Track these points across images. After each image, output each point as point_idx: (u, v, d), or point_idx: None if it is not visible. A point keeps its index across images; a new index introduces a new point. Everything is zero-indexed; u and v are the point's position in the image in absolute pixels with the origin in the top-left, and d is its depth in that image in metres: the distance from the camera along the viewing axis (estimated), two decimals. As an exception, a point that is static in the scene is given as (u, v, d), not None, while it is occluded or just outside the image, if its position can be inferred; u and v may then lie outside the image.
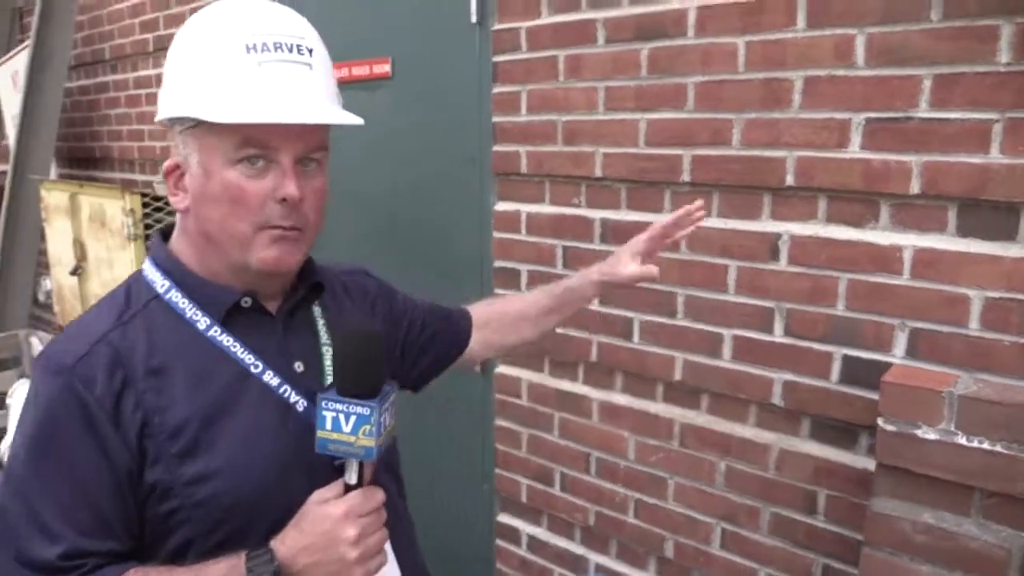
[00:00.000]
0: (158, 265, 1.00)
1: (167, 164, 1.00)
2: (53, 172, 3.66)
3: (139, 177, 3.32)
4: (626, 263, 1.28)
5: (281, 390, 0.99)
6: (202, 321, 0.97)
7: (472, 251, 2.01)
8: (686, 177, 1.59)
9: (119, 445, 0.90)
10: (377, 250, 2.30)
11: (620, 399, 1.80)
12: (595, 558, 1.92)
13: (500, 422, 2.04)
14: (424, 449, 2.29)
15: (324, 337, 1.08)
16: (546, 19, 1.77)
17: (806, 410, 1.52)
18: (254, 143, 0.93)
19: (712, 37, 1.51)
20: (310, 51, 0.97)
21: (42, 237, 3.36)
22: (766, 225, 1.51)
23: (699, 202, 1.24)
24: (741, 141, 1.50)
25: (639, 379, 1.76)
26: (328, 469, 0.96)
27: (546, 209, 1.84)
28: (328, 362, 1.04)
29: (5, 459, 0.97)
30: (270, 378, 0.98)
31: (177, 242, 1.02)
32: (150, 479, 0.92)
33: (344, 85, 2.23)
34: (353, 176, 2.30)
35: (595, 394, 1.83)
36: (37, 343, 3.27)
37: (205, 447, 0.93)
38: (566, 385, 1.88)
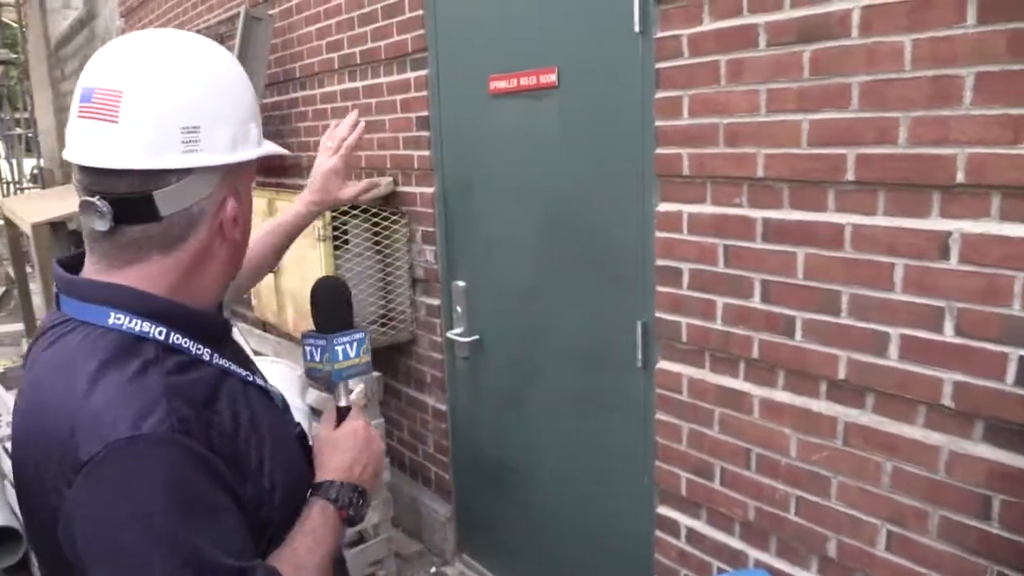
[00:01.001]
0: (137, 313, 0.95)
1: (230, 210, 1.02)
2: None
3: (324, 183, 3.62)
4: (340, 186, 1.62)
5: (267, 387, 1.11)
6: (205, 352, 0.99)
7: (634, 251, 2.09)
8: (850, 176, 1.59)
9: (228, 472, 0.93)
10: (542, 250, 2.42)
11: (781, 396, 1.82)
12: (754, 554, 1.95)
13: (661, 416, 2.10)
14: (585, 442, 2.39)
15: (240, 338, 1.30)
16: (707, 26, 1.82)
17: (979, 412, 1.48)
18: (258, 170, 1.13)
19: (877, 36, 1.51)
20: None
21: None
22: (935, 223, 1.49)
23: (354, 113, 1.71)
24: (908, 139, 1.49)
25: (801, 377, 1.77)
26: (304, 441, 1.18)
27: (707, 209, 1.89)
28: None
29: (123, 549, 0.86)
30: (258, 380, 1.09)
31: (146, 284, 0.98)
32: (246, 496, 0.96)
33: (513, 95, 2.37)
34: (520, 180, 2.44)
35: (756, 391, 1.86)
36: (236, 332, 3.65)
37: (263, 453, 1.00)
38: (726, 381, 1.92)
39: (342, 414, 1.22)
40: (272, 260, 1.60)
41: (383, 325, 3.04)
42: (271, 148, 1.09)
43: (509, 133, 2.46)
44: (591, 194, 2.22)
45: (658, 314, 2.05)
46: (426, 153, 2.84)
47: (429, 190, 2.86)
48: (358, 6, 3.07)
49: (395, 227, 3.01)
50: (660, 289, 2.03)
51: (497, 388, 2.73)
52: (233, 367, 1.03)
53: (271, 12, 3.77)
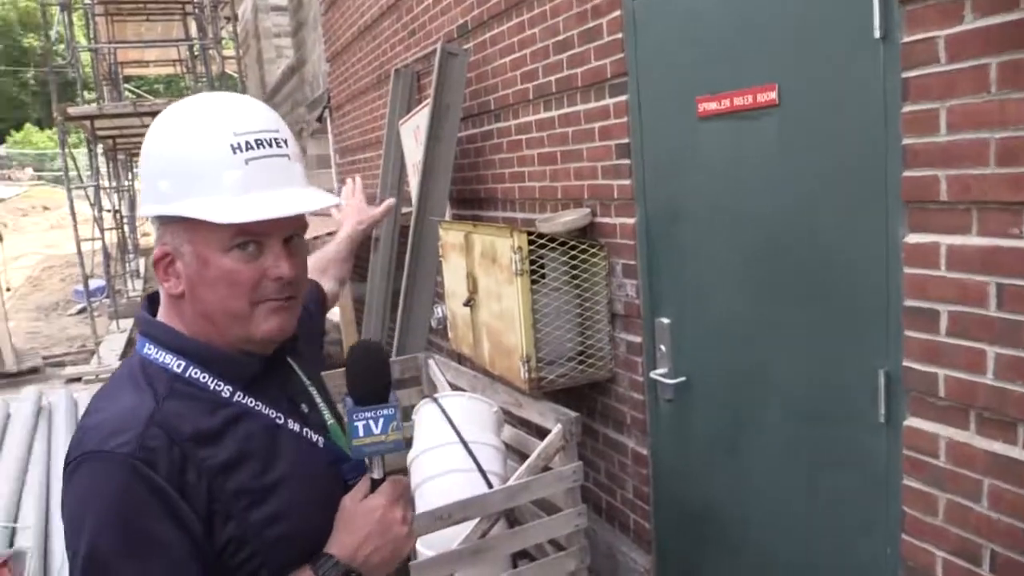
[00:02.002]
0: (163, 346, 1.07)
1: (156, 253, 1.08)
2: (448, 213, 4.10)
3: (520, 215, 3.57)
4: (365, 208, 1.82)
5: (304, 433, 1.12)
6: (225, 390, 1.07)
7: (875, 288, 1.82)
8: None
9: (191, 515, 0.98)
10: (758, 285, 2.19)
11: (1077, 469, 1.48)
12: (1038, 656, 1.60)
13: (909, 482, 1.80)
14: (809, 502, 2.12)
15: (303, 378, 1.21)
16: (970, 24, 1.54)
17: None
18: (247, 232, 1.03)
19: None
20: (285, 142, 1.07)
21: (438, 271, 3.77)
22: None
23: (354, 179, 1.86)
24: None
25: (1106, 447, 1.43)
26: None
27: (973, 241, 1.59)
28: (319, 399, 1.20)
29: (76, 553, 0.96)
30: (293, 425, 1.11)
31: (177, 323, 1.09)
32: (224, 537, 1.00)
33: (724, 116, 2.17)
34: (733, 208, 2.22)
35: (1040, 460, 1.53)
36: (433, 365, 3.66)
37: (267, 496, 1.04)
38: (1001, 448, 1.60)
39: (375, 486, 1.11)
40: (344, 266, 1.75)
41: (581, 362, 2.91)
42: (157, 210, 1.05)
43: (720, 158, 2.26)
44: (818, 224, 1.97)
45: (906, 363, 1.76)
46: (627, 182, 2.69)
47: (630, 221, 2.70)
48: (553, 34, 3.00)
49: (593, 260, 2.88)
50: (909, 334, 1.74)
51: (706, 435, 2.50)
52: (262, 408, 1.08)
53: (466, 47, 3.80)
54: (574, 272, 2.90)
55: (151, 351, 1.08)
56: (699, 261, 2.42)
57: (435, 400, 2.89)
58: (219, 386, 1.07)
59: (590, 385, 3.03)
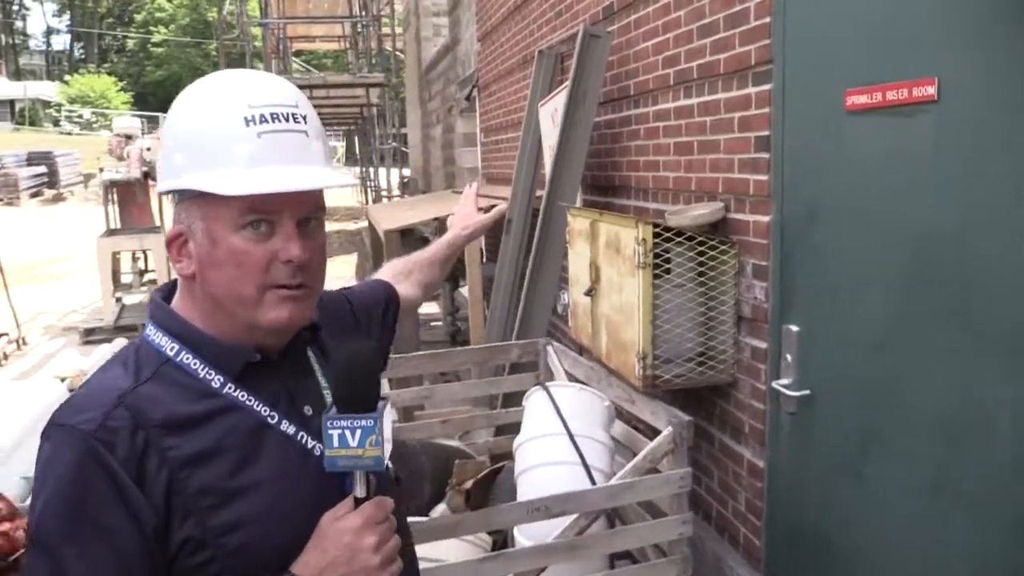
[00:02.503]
0: (164, 329, 1.05)
1: (170, 233, 1.05)
2: (579, 199, 4.03)
3: (651, 205, 3.45)
4: (473, 215, 1.88)
5: (298, 437, 1.05)
6: (216, 380, 1.02)
7: (1034, 313, 1.60)
8: None
9: (146, 506, 0.93)
10: (903, 298, 1.99)
11: None
12: None
13: (1058, 535, 1.58)
14: (948, 541, 1.92)
15: (322, 379, 1.13)
16: None
17: None
18: (257, 209, 0.99)
19: None
20: (304, 118, 1.02)
21: (564, 257, 3.71)
22: None
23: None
24: None
25: None
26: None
27: None
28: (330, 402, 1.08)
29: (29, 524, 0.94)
30: (286, 427, 1.04)
31: (183, 305, 1.07)
32: (181, 535, 0.95)
33: (875, 111, 1.98)
34: (880, 212, 2.03)
35: None
36: (552, 352, 3.62)
37: (234, 498, 0.98)
38: None
39: (359, 505, 1.01)
40: (443, 266, 1.78)
41: (700, 363, 2.77)
42: (176, 184, 1.02)
43: (869, 156, 2.06)
44: (980, 235, 1.76)
45: (1066, 401, 1.54)
46: (764, 177, 2.52)
47: (764, 219, 2.54)
48: (699, 17, 2.85)
49: (723, 257, 2.73)
50: (1072, 369, 1.52)
51: (829, 455, 2.32)
52: (253, 404, 1.02)
53: (610, 29, 3.70)
54: (701, 269, 2.76)
55: (151, 333, 1.06)
56: (836, 267, 2.23)
57: (545, 388, 2.85)
58: (210, 375, 1.02)
59: (710, 388, 2.89)
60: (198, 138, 1.00)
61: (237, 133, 0.98)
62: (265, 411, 1.04)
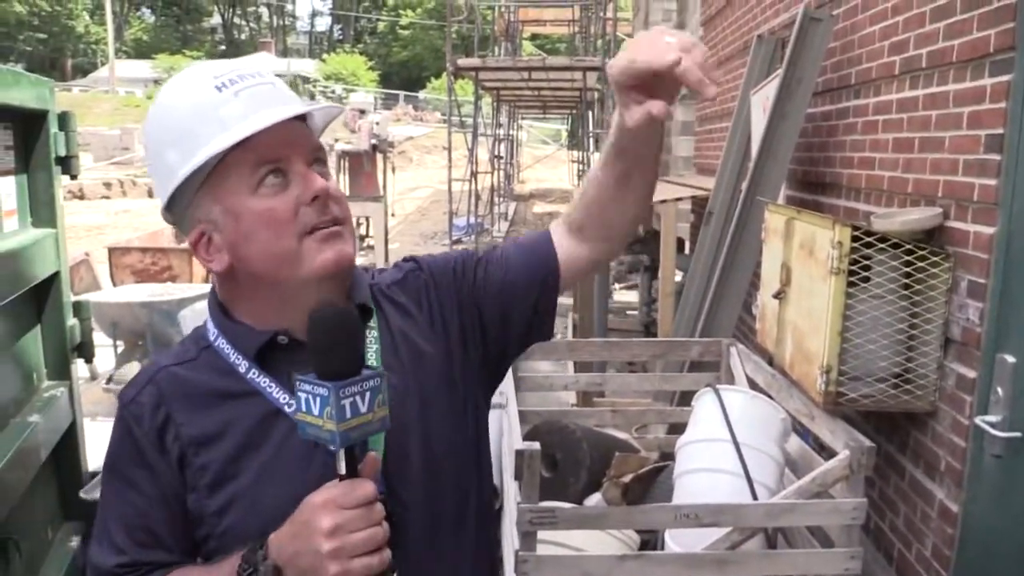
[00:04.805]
0: (212, 316, 1.09)
1: (191, 239, 1.04)
2: (781, 195, 3.77)
3: (861, 206, 3.14)
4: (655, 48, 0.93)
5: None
6: (242, 364, 1.04)
7: None
8: None
9: (166, 470, 1.03)
10: None
11: None
12: None
13: None
14: None
15: (376, 360, 1.06)
16: None
17: None
18: (267, 158, 0.99)
19: None
20: (267, 76, 1.03)
21: (759, 255, 3.48)
22: None
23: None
24: None
25: None
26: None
27: None
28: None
29: None
30: None
31: (224, 294, 1.09)
32: (189, 505, 1.03)
33: None
34: None
35: None
36: (735, 354, 3.41)
37: (228, 481, 1.01)
38: None
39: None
40: (620, 181, 1.12)
41: (895, 386, 2.49)
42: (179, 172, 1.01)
43: None
44: None
45: None
46: (992, 182, 2.19)
47: (988, 230, 2.21)
48: (934, -2, 2.53)
49: (934, 270, 2.42)
50: None
51: (1037, 509, 1.99)
52: (273, 391, 1.03)
53: (835, 12, 3.39)
54: (907, 281, 2.47)
55: (209, 319, 1.11)
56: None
57: (715, 390, 2.69)
58: (238, 360, 1.05)
59: (906, 415, 2.59)
60: (181, 125, 1.00)
61: (215, 100, 0.99)
62: (283, 397, 1.03)
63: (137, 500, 1.04)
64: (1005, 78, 2.13)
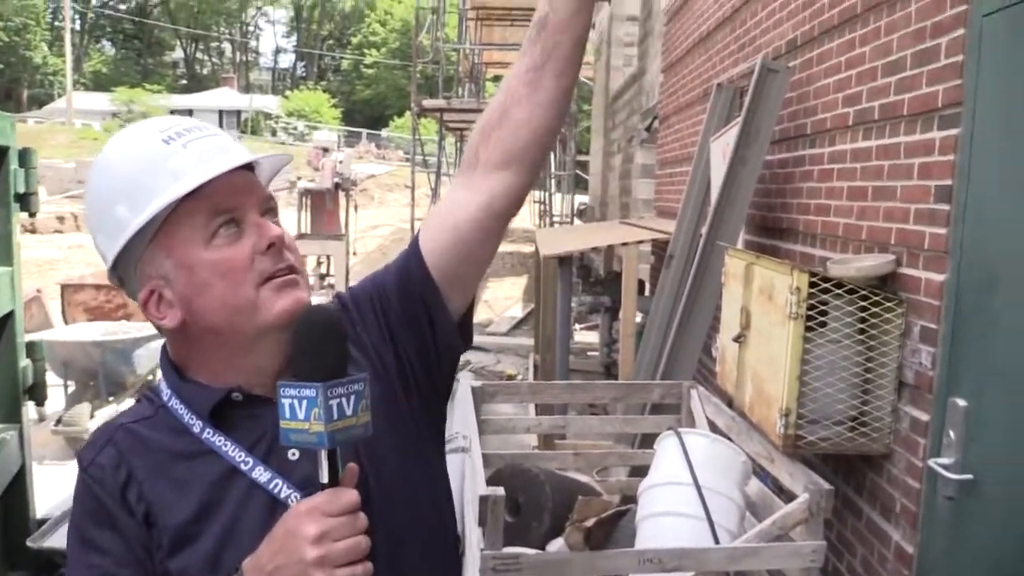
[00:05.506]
0: (165, 373, 1.07)
1: (141, 298, 1.02)
2: (740, 239, 3.85)
3: (817, 252, 3.22)
4: None
5: (271, 485, 0.99)
6: (196, 424, 1.01)
7: None
8: None
9: (135, 528, 1.00)
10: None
11: None
12: None
13: None
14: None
15: None
16: None
17: None
18: (221, 209, 0.97)
19: None
20: (210, 128, 1.03)
21: (719, 298, 3.54)
22: None
23: None
24: None
25: None
26: None
27: None
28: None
29: None
30: (259, 474, 0.99)
31: (175, 352, 1.06)
32: (155, 564, 1.00)
33: None
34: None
35: None
36: (696, 396, 3.45)
37: (188, 542, 0.98)
38: None
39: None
40: (534, 86, 1.05)
41: (852, 428, 2.53)
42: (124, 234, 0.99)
43: None
44: None
45: None
46: (942, 231, 2.27)
47: (939, 277, 2.29)
48: (884, 54, 2.63)
49: (888, 315, 2.48)
50: None
51: (990, 552, 2.03)
52: (229, 449, 1.00)
53: (791, 64, 3.51)
54: (862, 326, 2.53)
55: (162, 378, 1.09)
56: (1018, 338, 1.96)
57: (677, 434, 2.70)
58: (192, 420, 1.02)
59: (862, 457, 2.63)
60: (130, 180, 0.98)
61: (163, 152, 0.98)
62: (240, 456, 1.00)
63: (104, 563, 1.00)
64: (953, 132, 2.22)
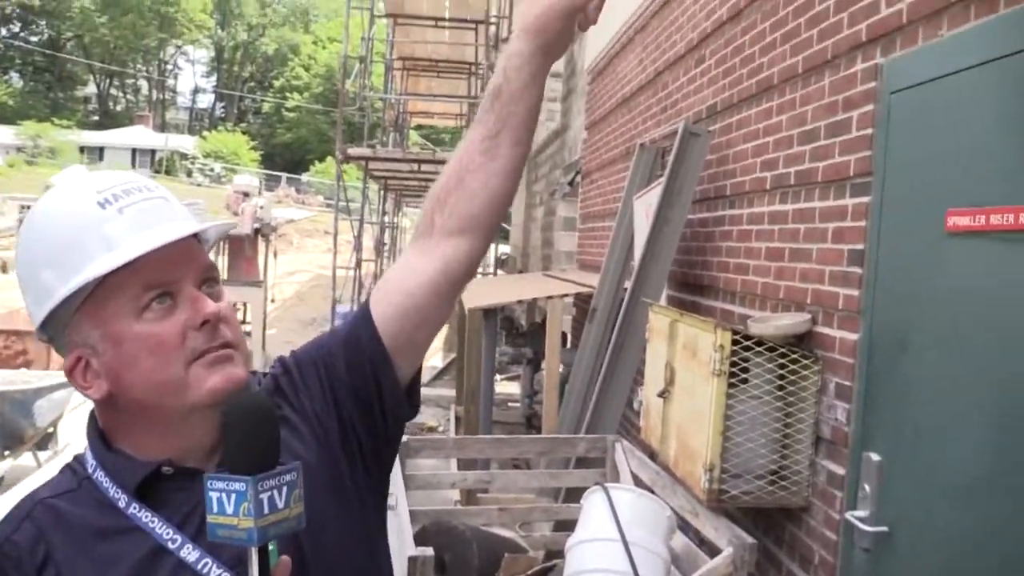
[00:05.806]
0: (91, 445, 1.00)
1: (66, 366, 0.96)
2: (663, 295, 3.95)
3: (737, 309, 3.33)
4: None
5: (200, 565, 0.93)
6: (122, 499, 0.95)
7: None
8: None
9: None
10: (1004, 440, 1.82)
11: None
12: None
13: None
14: None
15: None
16: None
17: None
18: (155, 283, 0.92)
19: None
20: (153, 188, 0.97)
21: (643, 352, 3.61)
22: None
23: None
24: None
25: None
26: None
27: None
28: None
29: None
30: (188, 553, 0.93)
31: (104, 421, 1.00)
32: None
33: (979, 235, 1.85)
34: (982, 345, 1.88)
35: None
36: (620, 450, 3.48)
37: None
38: None
39: None
40: (490, 153, 1.06)
41: (772, 483, 2.60)
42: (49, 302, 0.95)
43: (969, 282, 1.92)
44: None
45: None
46: (855, 292, 2.39)
47: (852, 336, 2.39)
48: (800, 123, 2.78)
49: (805, 372, 2.58)
50: None
51: (905, 603, 2.10)
52: (156, 526, 0.94)
53: (712, 128, 3.66)
54: (781, 383, 2.62)
55: (88, 446, 1.02)
56: (927, 398, 2.07)
57: (605, 489, 2.73)
58: (117, 494, 0.95)
59: (782, 510, 2.70)
60: (60, 244, 0.92)
61: (98, 216, 0.92)
62: (168, 534, 0.94)
63: None
64: (864, 199, 2.36)
